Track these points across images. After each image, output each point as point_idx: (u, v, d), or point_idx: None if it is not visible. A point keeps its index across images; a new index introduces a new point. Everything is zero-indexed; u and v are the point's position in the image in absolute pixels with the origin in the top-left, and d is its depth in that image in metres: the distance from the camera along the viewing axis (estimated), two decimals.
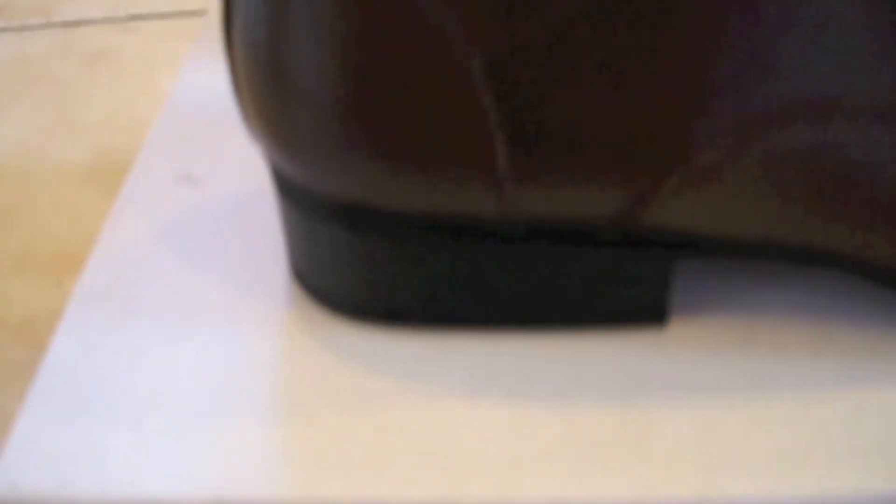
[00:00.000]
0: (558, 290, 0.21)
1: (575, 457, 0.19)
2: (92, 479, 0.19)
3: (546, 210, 0.19)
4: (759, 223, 0.19)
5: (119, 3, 0.71)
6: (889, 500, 0.18)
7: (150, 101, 0.59)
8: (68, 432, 0.20)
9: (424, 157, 0.18)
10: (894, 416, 0.20)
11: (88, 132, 0.56)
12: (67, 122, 0.58)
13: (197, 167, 0.28)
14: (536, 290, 0.21)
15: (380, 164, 0.19)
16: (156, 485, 0.19)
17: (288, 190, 0.21)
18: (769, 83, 0.18)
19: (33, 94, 0.61)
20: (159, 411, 0.20)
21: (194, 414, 0.20)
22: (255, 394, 0.21)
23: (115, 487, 0.19)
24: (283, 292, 0.23)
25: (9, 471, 0.19)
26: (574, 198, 0.19)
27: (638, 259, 0.20)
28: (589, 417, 0.20)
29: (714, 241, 0.20)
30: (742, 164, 0.18)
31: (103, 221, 0.49)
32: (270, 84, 0.19)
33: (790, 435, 0.19)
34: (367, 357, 0.21)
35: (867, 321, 0.22)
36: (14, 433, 0.20)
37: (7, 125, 0.58)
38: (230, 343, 0.22)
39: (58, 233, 0.50)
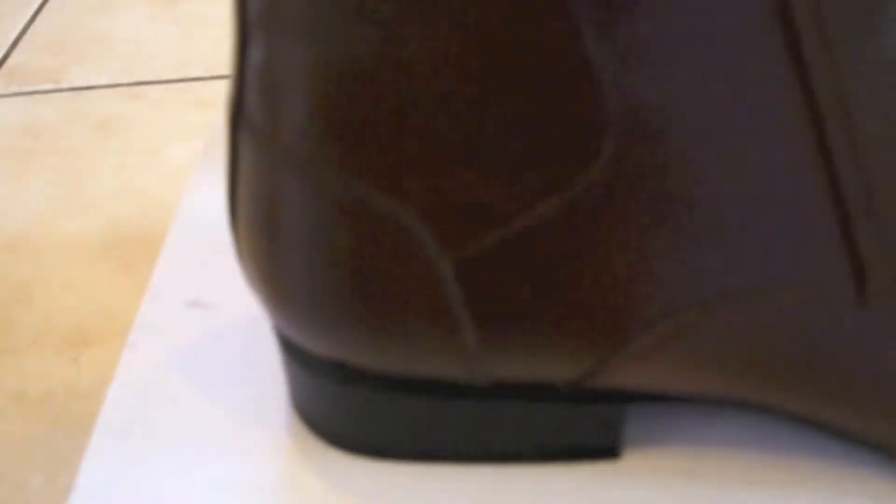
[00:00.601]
0: (520, 435, 0.24)
1: None
2: None
3: (509, 375, 0.22)
4: (706, 386, 0.22)
5: (124, 68, 0.74)
6: None
7: (158, 173, 0.61)
8: None
9: (400, 333, 0.21)
10: None
11: (98, 204, 0.59)
12: (78, 194, 0.60)
13: (206, 291, 0.30)
14: (501, 434, 0.23)
15: (362, 335, 0.22)
16: None
17: (282, 337, 0.24)
18: (698, 277, 0.21)
19: (44, 163, 0.64)
20: None
21: None
22: None
23: None
24: (285, 421, 0.26)
25: None
26: (535, 366, 0.22)
27: (593, 409, 0.23)
28: None
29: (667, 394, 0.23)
30: (679, 343, 0.21)
31: (116, 296, 0.52)
32: (266, 254, 0.22)
33: None
34: (360, 484, 0.24)
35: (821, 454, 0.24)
36: None
37: (20, 195, 0.61)
38: (239, 473, 0.25)
39: (72, 308, 0.52)
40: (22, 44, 0.78)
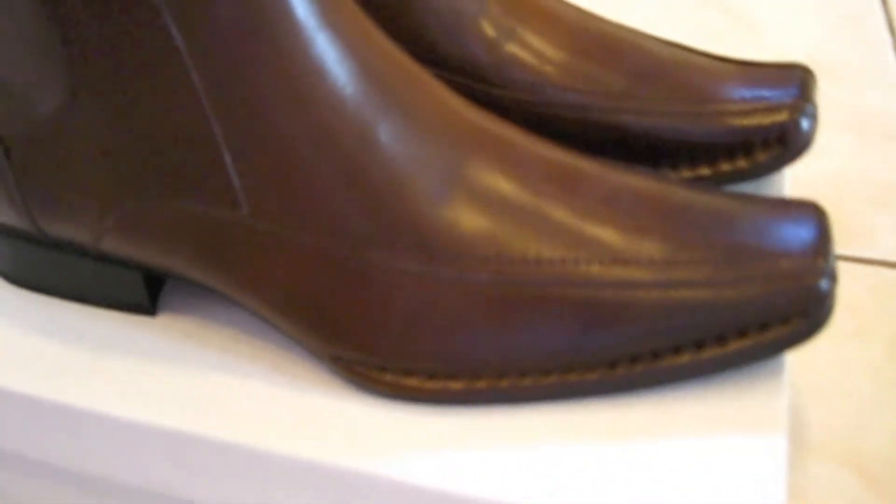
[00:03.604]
0: (80, 281, 0.33)
1: None
2: None
3: (55, 231, 0.32)
4: (168, 264, 0.31)
5: None
6: None
7: None
8: None
9: None
10: None
11: None
12: None
13: None
14: (79, 282, 0.33)
15: None
16: None
17: None
18: (131, 182, 0.31)
19: None
20: None
21: None
22: None
23: None
24: None
25: None
26: (64, 226, 0.31)
27: (115, 269, 0.33)
28: None
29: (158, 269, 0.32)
30: (134, 227, 0.31)
31: None
32: None
33: None
34: None
35: None
36: None
37: None
38: None
39: None
40: None
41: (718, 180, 0.36)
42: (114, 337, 0.33)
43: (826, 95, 0.58)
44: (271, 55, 0.28)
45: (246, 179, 0.29)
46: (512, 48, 0.37)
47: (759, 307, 0.29)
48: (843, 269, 0.47)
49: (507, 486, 0.28)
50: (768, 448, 0.29)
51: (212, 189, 0.30)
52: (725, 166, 0.36)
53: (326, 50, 0.29)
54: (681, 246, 0.30)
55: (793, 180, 0.50)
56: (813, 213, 0.31)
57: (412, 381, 0.30)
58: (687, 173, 0.36)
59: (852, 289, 0.46)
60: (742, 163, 0.36)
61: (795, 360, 0.43)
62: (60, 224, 0.32)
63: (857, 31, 0.64)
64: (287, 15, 0.28)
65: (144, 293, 0.33)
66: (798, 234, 0.30)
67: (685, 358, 0.30)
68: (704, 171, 0.36)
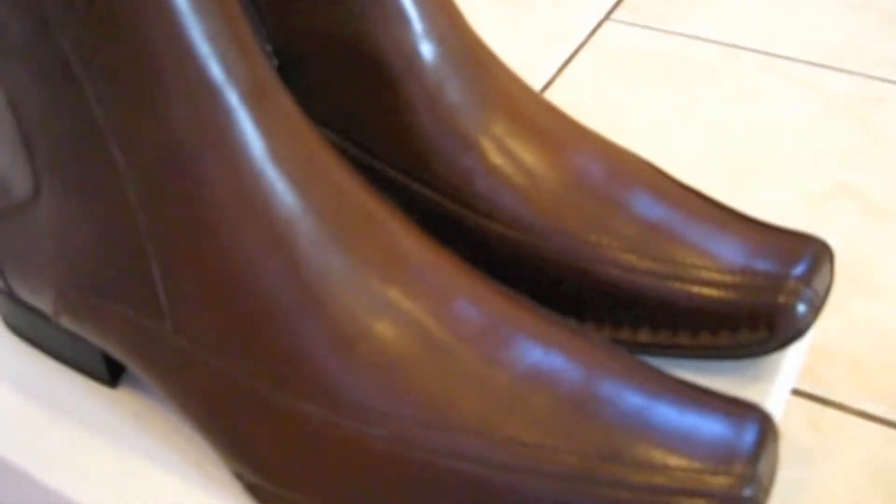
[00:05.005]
0: (54, 341, 0.36)
1: None
2: None
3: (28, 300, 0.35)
4: None
5: None
6: None
7: None
8: None
9: None
10: None
11: None
12: None
13: None
14: (53, 342, 0.36)
15: None
16: None
17: None
18: None
19: None
20: None
21: None
22: None
23: None
24: None
25: None
26: (34, 300, 0.34)
27: (79, 341, 0.34)
28: None
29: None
30: None
31: None
32: None
33: None
34: None
35: None
36: None
37: None
38: None
39: None
40: None
41: (702, 354, 0.34)
42: (70, 400, 0.35)
43: None
44: (213, 184, 0.29)
45: (171, 296, 0.30)
46: (505, 175, 0.35)
47: None
48: None
49: None
50: None
51: (141, 299, 0.31)
52: (706, 339, 0.33)
53: (275, 183, 0.29)
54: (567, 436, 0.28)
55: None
56: (755, 420, 0.29)
57: None
58: (665, 338, 0.34)
59: None
60: (725, 339, 0.33)
61: None
62: (27, 295, 0.34)
63: None
64: (234, 148, 0.28)
65: (103, 366, 0.35)
66: (711, 439, 0.28)
67: None
68: (684, 339, 0.34)
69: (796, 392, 0.48)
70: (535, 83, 0.70)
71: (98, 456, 0.33)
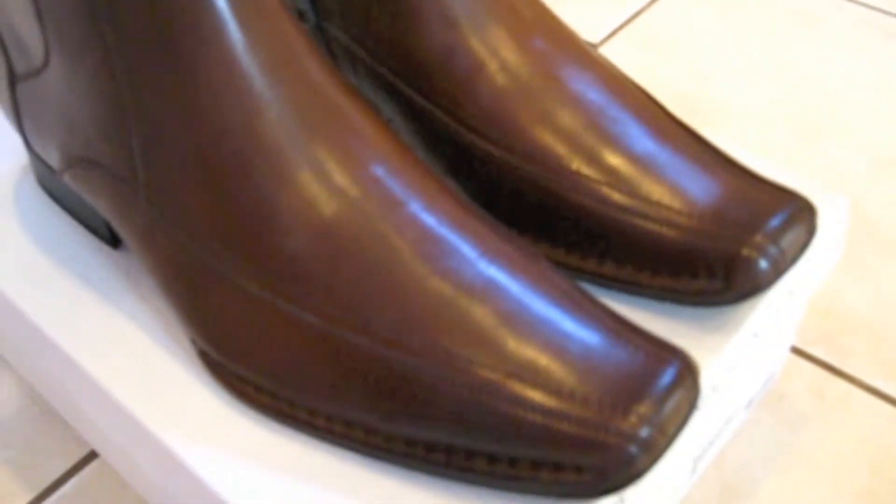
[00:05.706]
0: (71, 200, 0.39)
1: None
2: None
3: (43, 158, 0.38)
4: None
5: None
6: None
7: None
8: None
9: None
10: None
11: None
12: None
13: None
14: (71, 201, 0.39)
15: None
16: None
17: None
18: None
19: None
20: None
21: None
22: None
23: None
24: None
25: None
26: (46, 156, 0.37)
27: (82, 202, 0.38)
28: None
29: None
30: None
31: None
32: None
33: None
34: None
35: None
36: None
37: None
38: None
39: None
40: None
41: (663, 296, 0.33)
42: (75, 253, 0.39)
43: None
44: (194, 66, 0.30)
45: (147, 168, 0.32)
46: (503, 95, 0.35)
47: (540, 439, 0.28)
48: None
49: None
50: None
51: (122, 168, 0.33)
52: (666, 281, 0.33)
53: (248, 68, 0.30)
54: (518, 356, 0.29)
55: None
56: (675, 365, 0.29)
57: (247, 388, 0.32)
58: (628, 274, 0.34)
59: None
60: (683, 284, 0.33)
61: None
62: (41, 151, 0.37)
63: None
64: (212, 32, 0.30)
65: (105, 227, 0.38)
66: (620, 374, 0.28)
67: (478, 464, 0.29)
68: (644, 278, 0.33)
69: (807, 356, 0.47)
70: (625, 14, 0.68)
71: (88, 308, 0.36)
